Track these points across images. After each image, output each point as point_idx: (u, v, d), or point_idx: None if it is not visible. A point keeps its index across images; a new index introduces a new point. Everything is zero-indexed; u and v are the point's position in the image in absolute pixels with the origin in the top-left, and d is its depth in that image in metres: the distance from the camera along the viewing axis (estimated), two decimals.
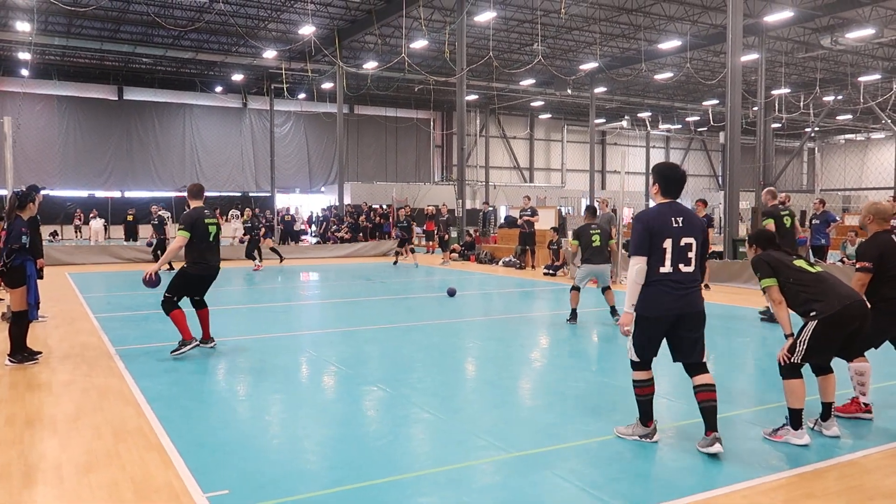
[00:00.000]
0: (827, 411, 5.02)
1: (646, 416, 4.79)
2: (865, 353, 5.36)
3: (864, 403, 5.34)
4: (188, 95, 40.08)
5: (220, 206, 29.02)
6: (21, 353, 7.28)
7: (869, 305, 5.01)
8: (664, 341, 4.71)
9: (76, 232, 33.14)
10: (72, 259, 20.15)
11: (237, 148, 41.85)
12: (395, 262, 20.73)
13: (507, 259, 20.31)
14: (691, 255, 4.60)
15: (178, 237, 7.39)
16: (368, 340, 8.79)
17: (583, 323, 10.81)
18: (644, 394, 4.75)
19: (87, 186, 37.38)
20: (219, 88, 39.87)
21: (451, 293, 13.02)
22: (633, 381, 4.80)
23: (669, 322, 4.58)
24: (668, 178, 4.75)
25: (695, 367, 4.68)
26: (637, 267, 4.57)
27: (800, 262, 4.99)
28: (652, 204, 4.86)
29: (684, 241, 4.57)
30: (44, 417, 5.40)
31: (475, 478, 4.23)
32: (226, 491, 3.95)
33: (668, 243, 4.54)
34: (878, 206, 5.55)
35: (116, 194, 37.60)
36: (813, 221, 14.75)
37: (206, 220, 7.48)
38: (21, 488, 4.06)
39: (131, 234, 27.84)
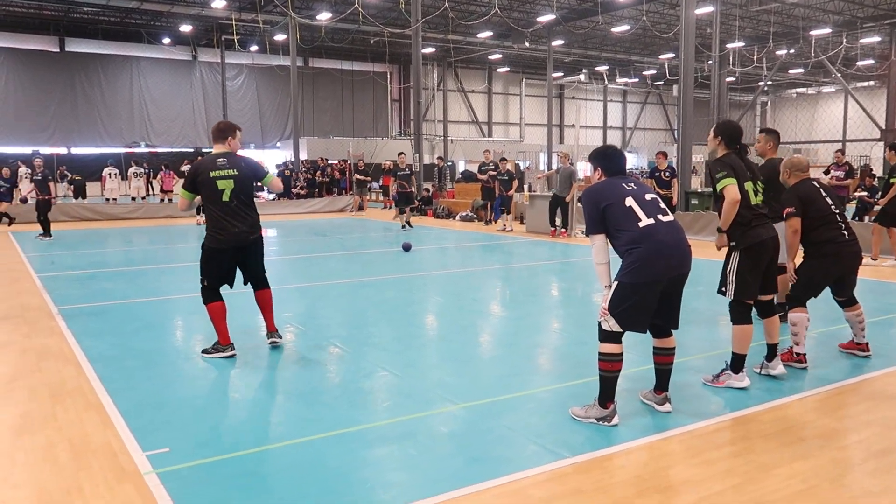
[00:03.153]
0: (772, 352, 5.16)
1: (606, 395, 4.21)
2: (807, 305, 5.49)
3: (796, 353, 5.46)
4: (134, 47, 38.51)
5: (172, 162, 28.19)
6: None
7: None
8: None
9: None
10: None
11: (188, 102, 40.57)
12: (405, 226, 17.28)
13: (463, 214, 20.29)
14: (663, 206, 4.26)
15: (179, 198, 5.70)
16: (321, 296, 8.71)
17: (536, 274, 10.89)
18: (612, 370, 4.17)
19: (30, 143, 35.93)
20: (167, 40, 38.38)
21: (407, 248, 12.97)
22: (602, 354, 4.18)
23: (664, 285, 4.15)
24: (610, 157, 4.39)
25: (665, 329, 4.39)
26: (595, 246, 4.20)
27: (749, 186, 4.89)
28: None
29: (648, 196, 4.21)
30: None
31: (423, 430, 4.24)
32: (165, 449, 3.89)
33: (629, 200, 4.14)
34: (793, 159, 5.73)
35: (62, 150, 36.29)
36: None
37: (214, 174, 5.50)
38: None
39: (80, 192, 27.01)
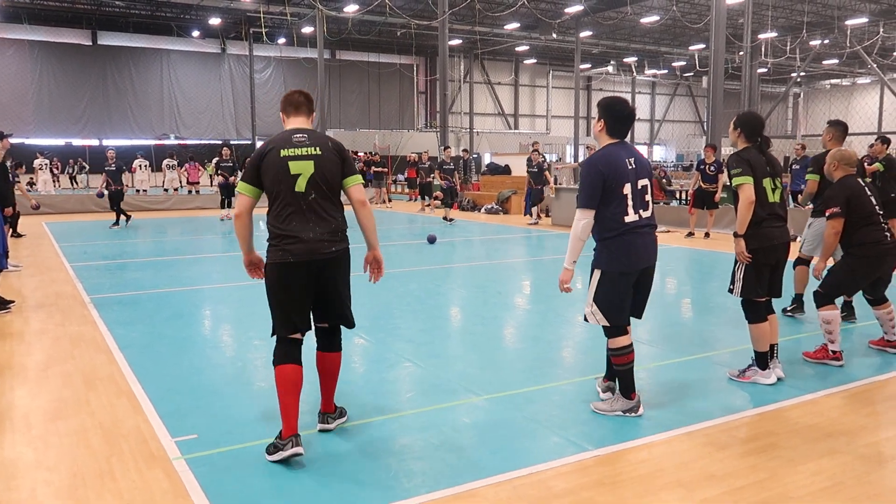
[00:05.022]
0: (771, 351, 5.00)
1: (628, 387, 4.26)
2: (836, 302, 5.41)
3: (832, 350, 5.36)
4: (164, 40, 39.06)
5: (197, 154, 28.55)
6: None
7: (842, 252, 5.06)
8: None
9: (55, 182, 32.61)
10: (51, 208, 19.93)
11: (216, 94, 41.08)
12: (450, 221, 17.09)
13: (488, 206, 20.30)
14: (648, 198, 4.19)
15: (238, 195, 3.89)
16: None
17: (560, 267, 10.85)
18: (626, 362, 4.22)
19: (63, 134, 36.67)
20: (196, 33, 38.83)
21: (432, 240, 13.00)
22: (611, 349, 4.26)
23: (636, 276, 4.21)
24: (618, 115, 4.18)
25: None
26: (584, 222, 4.10)
27: (767, 182, 4.75)
28: (595, 144, 4.42)
29: (640, 183, 4.14)
30: (14, 366, 5.38)
31: (446, 420, 4.27)
32: (194, 435, 3.97)
33: (627, 188, 4.07)
34: (843, 152, 5.51)
35: (94, 142, 36.92)
36: (793, 167, 14.75)
37: (287, 152, 3.69)
38: None
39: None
